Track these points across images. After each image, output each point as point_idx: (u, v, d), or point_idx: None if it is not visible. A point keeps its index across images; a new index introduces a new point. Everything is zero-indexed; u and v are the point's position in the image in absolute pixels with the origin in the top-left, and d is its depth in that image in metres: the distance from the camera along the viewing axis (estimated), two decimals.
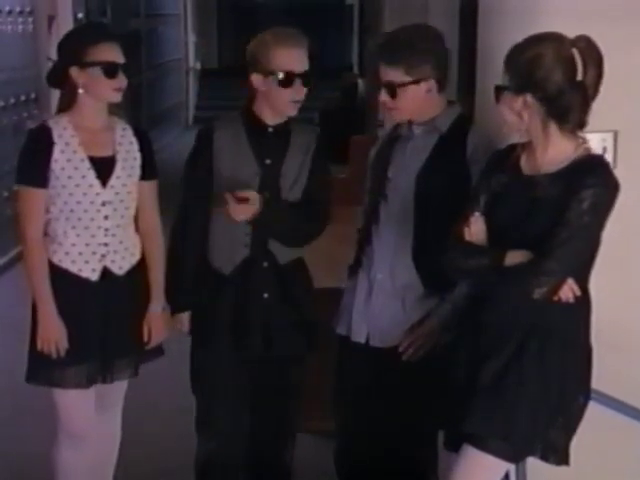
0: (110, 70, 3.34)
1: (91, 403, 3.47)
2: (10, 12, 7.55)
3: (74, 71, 3.35)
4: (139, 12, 12.22)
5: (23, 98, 7.62)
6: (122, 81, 3.37)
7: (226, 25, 17.01)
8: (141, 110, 11.89)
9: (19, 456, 4.41)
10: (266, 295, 3.50)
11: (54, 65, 3.46)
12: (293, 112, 3.46)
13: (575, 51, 2.84)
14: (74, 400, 3.43)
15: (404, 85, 3.25)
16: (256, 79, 3.42)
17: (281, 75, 3.39)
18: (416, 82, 3.25)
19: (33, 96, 7.70)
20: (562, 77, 2.83)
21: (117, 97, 3.40)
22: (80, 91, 3.37)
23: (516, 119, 2.89)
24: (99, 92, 3.37)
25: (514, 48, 2.88)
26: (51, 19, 8.08)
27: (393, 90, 3.26)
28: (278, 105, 3.45)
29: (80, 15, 8.91)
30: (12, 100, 7.48)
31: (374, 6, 7.37)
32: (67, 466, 3.52)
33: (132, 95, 12.20)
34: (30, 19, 7.89)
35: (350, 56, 14.88)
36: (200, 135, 3.58)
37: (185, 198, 3.57)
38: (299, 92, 3.43)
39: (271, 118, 3.48)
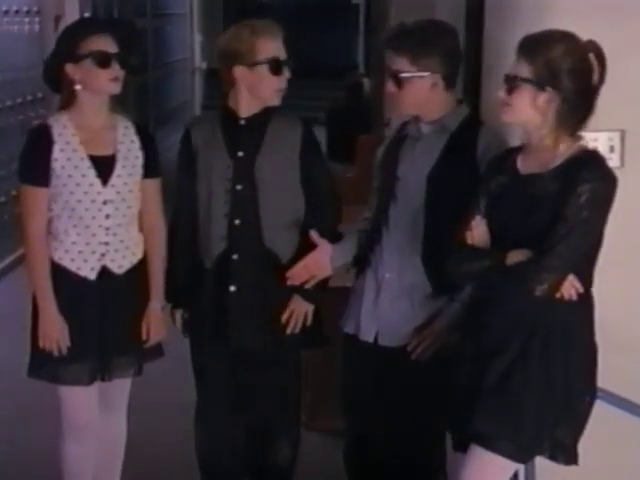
0: (102, 59, 3.30)
1: (94, 396, 3.48)
2: (17, 12, 7.56)
3: (69, 68, 3.33)
4: (145, 11, 12.23)
5: (30, 98, 7.63)
6: (117, 71, 3.33)
7: (232, 25, 16.97)
8: (147, 109, 11.90)
9: (22, 455, 4.42)
10: (232, 288, 3.51)
11: (46, 63, 3.43)
12: (278, 101, 3.49)
13: (592, 55, 2.84)
14: (77, 393, 3.44)
15: (409, 76, 3.24)
16: (240, 72, 3.44)
17: (269, 63, 3.42)
18: (421, 74, 3.25)
19: (40, 96, 7.70)
20: (585, 81, 2.82)
21: (114, 88, 3.36)
22: (78, 87, 3.34)
23: (535, 115, 2.85)
24: (95, 84, 3.34)
25: (538, 41, 2.82)
26: (58, 19, 8.08)
27: (398, 80, 3.26)
28: (265, 94, 3.48)
29: (87, 15, 8.91)
30: (19, 100, 7.49)
31: (380, 5, 7.36)
32: (72, 459, 3.53)
33: (138, 94, 12.23)
34: (37, 19, 7.90)
35: (356, 55, 14.86)
36: (182, 135, 3.62)
37: (176, 197, 3.62)
38: (284, 80, 3.47)
39: (246, 110, 3.49)
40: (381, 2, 7.26)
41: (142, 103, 11.53)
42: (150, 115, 11.98)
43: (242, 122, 3.50)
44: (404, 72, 3.24)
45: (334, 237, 3.50)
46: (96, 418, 3.51)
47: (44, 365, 3.41)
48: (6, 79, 7.27)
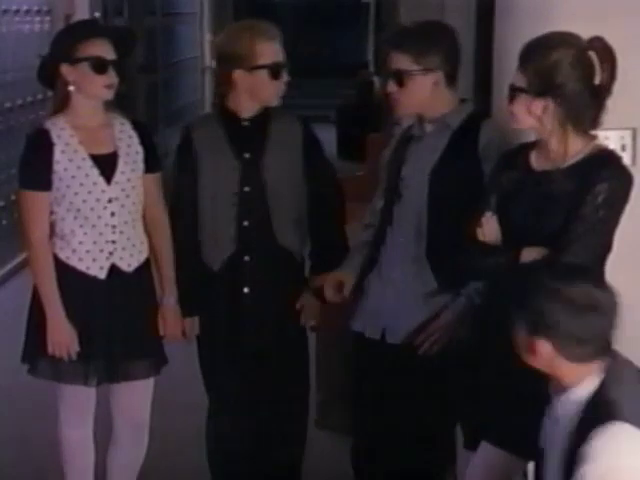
0: (99, 65, 3.31)
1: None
2: (28, 11, 7.59)
3: (64, 68, 3.33)
4: (155, 10, 12.24)
5: (40, 97, 7.65)
6: (112, 77, 3.34)
7: None
8: (157, 108, 11.91)
9: (26, 455, 4.43)
10: (246, 290, 3.51)
11: (42, 62, 3.43)
12: (278, 103, 3.51)
13: (592, 54, 2.84)
14: None
15: (412, 73, 3.24)
16: (240, 75, 3.44)
17: (269, 68, 3.43)
18: (424, 72, 3.24)
19: (50, 95, 7.73)
20: (582, 82, 2.82)
21: (108, 94, 3.36)
22: (71, 88, 3.35)
23: (534, 122, 2.87)
24: (89, 89, 3.34)
25: (531, 49, 2.86)
26: (68, 18, 8.09)
27: (400, 78, 3.26)
28: (264, 97, 3.49)
29: (97, 14, 8.93)
30: (30, 98, 7.52)
31: (390, 4, 7.36)
32: (71, 445, 3.54)
33: (148, 93, 12.21)
34: (47, 18, 7.92)
35: (366, 54, 14.86)
36: (181, 136, 3.61)
37: (172, 200, 3.59)
38: (283, 83, 3.48)
39: (246, 111, 3.50)
40: (391, 1, 7.26)
41: (152, 102, 11.54)
42: (160, 114, 12.00)
43: (245, 123, 3.51)
44: (407, 70, 3.24)
45: (340, 234, 3.57)
46: (94, 402, 3.51)
47: (45, 361, 3.41)
48: (17, 78, 7.29)
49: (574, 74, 2.82)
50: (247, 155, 3.50)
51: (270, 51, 3.44)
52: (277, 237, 3.52)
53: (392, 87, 3.29)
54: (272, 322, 3.55)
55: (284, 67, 3.47)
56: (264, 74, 3.44)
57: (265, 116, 3.52)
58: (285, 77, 3.48)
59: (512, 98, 2.88)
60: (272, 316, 3.55)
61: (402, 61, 3.25)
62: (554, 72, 2.81)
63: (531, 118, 2.86)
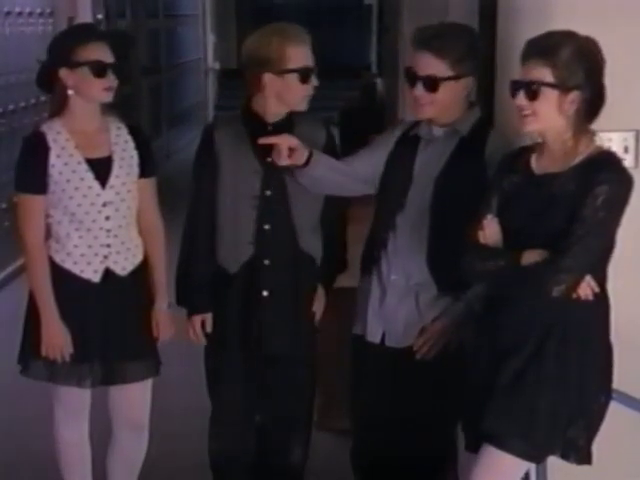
0: (98, 69, 3.31)
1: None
2: (30, 13, 7.60)
3: (63, 72, 3.33)
4: (158, 13, 12.26)
5: (43, 99, 7.66)
6: (112, 80, 3.34)
7: (245, 25, 16.99)
8: (160, 110, 11.93)
9: (26, 457, 4.45)
10: (265, 293, 3.51)
11: (41, 67, 3.43)
12: (305, 107, 3.49)
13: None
14: None
15: (447, 78, 3.19)
16: (269, 78, 3.42)
17: (299, 72, 3.42)
18: (457, 78, 3.21)
19: None
20: (600, 74, 2.82)
21: (107, 97, 3.37)
22: (70, 92, 3.35)
23: (562, 119, 2.83)
24: (89, 92, 3.35)
25: (552, 42, 2.80)
26: (71, 20, 8.10)
27: (433, 84, 3.19)
28: (293, 101, 3.47)
29: (99, 16, 8.95)
30: (32, 100, 7.53)
31: (393, 6, 7.37)
32: (68, 445, 3.55)
33: (151, 95, 12.21)
34: (50, 20, 7.93)
35: (369, 56, 14.87)
36: (202, 135, 3.61)
37: (192, 199, 3.60)
38: (312, 87, 3.47)
39: (272, 115, 3.49)
40: (393, 3, 7.27)
41: (155, 104, 11.55)
42: (163, 115, 12.01)
43: (270, 128, 3.49)
44: (441, 77, 3.19)
45: (341, 247, 3.62)
46: (88, 402, 3.52)
47: (39, 363, 3.41)
48: (20, 80, 7.29)
49: (595, 68, 2.81)
50: (270, 159, 3.49)
51: (300, 55, 3.42)
52: (299, 241, 3.51)
53: (420, 91, 3.23)
54: (289, 326, 3.54)
55: (313, 71, 3.45)
56: (294, 78, 3.42)
57: (289, 121, 3.50)
58: (314, 82, 3.46)
59: (535, 95, 2.82)
60: (290, 320, 3.54)
61: (437, 66, 3.19)
62: (581, 64, 2.79)
63: (558, 115, 2.82)
